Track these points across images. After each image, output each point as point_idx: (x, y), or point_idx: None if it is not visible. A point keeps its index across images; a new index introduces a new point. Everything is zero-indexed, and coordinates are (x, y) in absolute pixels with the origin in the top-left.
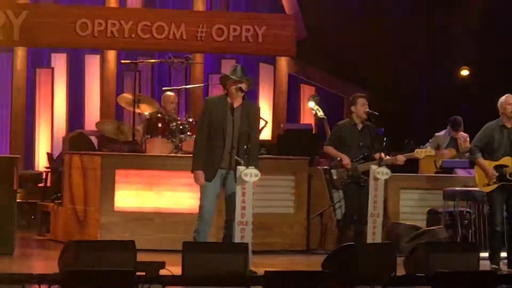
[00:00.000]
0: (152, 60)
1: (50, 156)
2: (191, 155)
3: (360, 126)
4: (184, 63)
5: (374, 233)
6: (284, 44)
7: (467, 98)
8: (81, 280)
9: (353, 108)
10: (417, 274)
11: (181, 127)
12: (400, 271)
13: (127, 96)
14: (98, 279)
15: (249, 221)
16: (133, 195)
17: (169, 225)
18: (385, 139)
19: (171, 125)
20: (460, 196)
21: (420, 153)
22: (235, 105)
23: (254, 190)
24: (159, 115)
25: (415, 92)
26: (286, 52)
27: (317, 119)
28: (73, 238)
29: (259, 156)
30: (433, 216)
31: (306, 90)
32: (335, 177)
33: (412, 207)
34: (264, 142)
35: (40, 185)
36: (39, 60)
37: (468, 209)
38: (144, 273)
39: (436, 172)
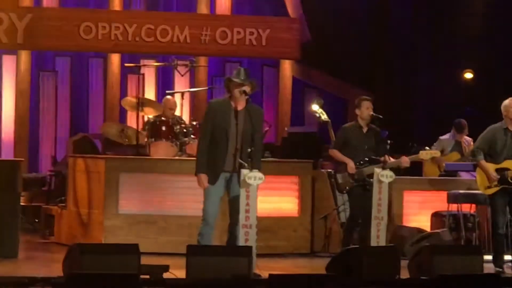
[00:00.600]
0: (156, 63)
1: (54, 159)
2: (195, 158)
3: (365, 129)
4: (188, 66)
5: (378, 236)
6: (288, 47)
7: (471, 101)
8: (85, 283)
9: (357, 111)
10: (421, 277)
11: (185, 130)
12: (404, 274)
13: (131, 99)
14: (102, 282)
15: (253, 224)
16: (137, 198)
17: (173, 228)
18: (389, 142)
19: (175, 128)
20: (464, 199)
21: (424, 154)
22: (239, 108)
23: (257, 193)
24: (162, 118)
25: (419, 95)
26: (290, 55)
27: (321, 122)
28: (77, 241)
29: (263, 159)
30: (437, 219)
31: (310, 93)
32: (340, 181)
33: (416, 210)
34: (268, 145)
35: (44, 188)
36: (43, 64)
37: (472, 212)
38: (148, 276)
39: (440, 175)
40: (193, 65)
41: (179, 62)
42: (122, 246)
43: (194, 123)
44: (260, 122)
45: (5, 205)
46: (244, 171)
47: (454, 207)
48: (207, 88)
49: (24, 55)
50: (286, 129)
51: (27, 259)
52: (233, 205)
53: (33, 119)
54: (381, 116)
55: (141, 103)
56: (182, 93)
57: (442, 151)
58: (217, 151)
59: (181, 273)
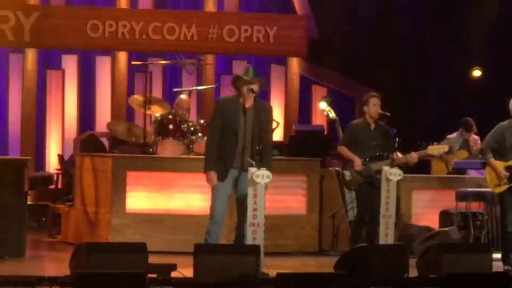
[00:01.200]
0: (163, 61)
1: (61, 157)
2: (203, 156)
3: (373, 126)
4: (195, 64)
5: (386, 234)
6: (295, 44)
7: (480, 99)
8: (92, 282)
9: (365, 108)
10: (430, 276)
11: (192, 128)
12: (413, 273)
13: (138, 97)
14: (109, 281)
15: (261, 223)
16: (144, 197)
17: (180, 227)
18: (397, 139)
19: (182, 126)
20: (472, 197)
21: (433, 149)
22: (247, 105)
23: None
24: (170, 116)
25: (427, 93)
26: (298, 53)
27: (329, 120)
28: (84, 240)
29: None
30: (445, 217)
31: (318, 91)
32: (348, 178)
33: (425, 208)
34: (276, 143)
35: (51, 187)
36: (49, 62)
37: (480, 210)
38: (155, 275)
39: (448, 174)
40: (200, 63)
41: (186, 60)
42: (130, 245)
43: (202, 121)
44: (269, 120)
45: (12, 204)
46: (252, 169)
47: (462, 205)
48: (214, 86)
49: (31, 53)
50: (293, 127)
51: (34, 258)
52: (241, 203)
53: (40, 117)
54: (388, 114)
55: (148, 101)
56: (190, 91)
57: (450, 150)
58: (226, 148)
59: (188, 272)
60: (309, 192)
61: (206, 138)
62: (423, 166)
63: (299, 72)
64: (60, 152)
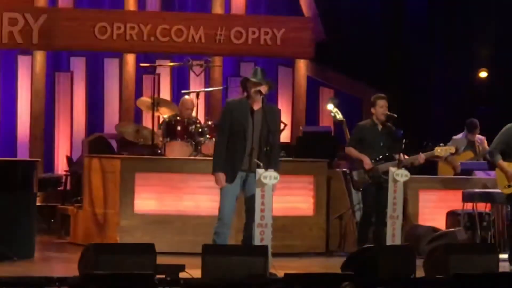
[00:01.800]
0: (171, 63)
1: (69, 159)
2: (211, 158)
3: (380, 127)
4: (203, 66)
5: (393, 235)
6: (302, 46)
7: (486, 100)
8: (101, 283)
9: (372, 109)
10: (437, 276)
11: (200, 130)
12: (420, 273)
13: (146, 99)
14: (118, 282)
15: (269, 224)
16: (152, 198)
17: (188, 228)
18: (404, 141)
19: (190, 128)
20: (479, 198)
21: (440, 151)
22: (255, 107)
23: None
24: (178, 118)
25: (433, 94)
26: (305, 55)
27: (336, 121)
28: (93, 241)
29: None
30: (452, 218)
31: (325, 93)
32: (356, 178)
33: (431, 209)
34: (283, 144)
35: (59, 188)
36: (58, 64)
37: (487, 211)
38: (164, 276)
39: (454, 175)
40: (208, 65)
41: (194, 62)
42: (138, 246)
43: (209, 122)
44: (277, 121)
45: (21, 206)
46: (259, 171)
47: (469, 206)
48: (222, 88)
49: (39, 56)
50: (301, 128)
51: (43, 259)
52: (249, 204)
53: (48, 119)
54: (395, 115)
55: (157, 103)
56: (197, 93)
57: (456, 150)
58: (235, 150)
59: (196, 273)
60: (317, 193)
61: (214, 139)
62: (430, 167)
63: (306, 73)
64: (68, 154)
